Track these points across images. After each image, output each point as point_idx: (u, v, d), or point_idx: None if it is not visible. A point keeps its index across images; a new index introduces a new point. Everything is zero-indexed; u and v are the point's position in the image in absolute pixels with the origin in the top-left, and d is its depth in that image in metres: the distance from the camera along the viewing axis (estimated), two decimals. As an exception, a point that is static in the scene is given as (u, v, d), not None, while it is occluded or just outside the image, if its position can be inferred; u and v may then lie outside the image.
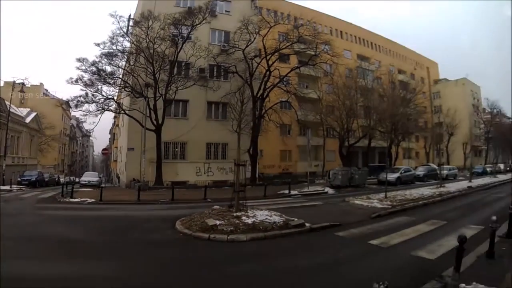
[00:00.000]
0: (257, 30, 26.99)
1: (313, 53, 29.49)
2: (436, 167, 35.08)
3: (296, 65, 31.97)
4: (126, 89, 25.00)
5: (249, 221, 9.18)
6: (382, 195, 17.16)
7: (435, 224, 10.58)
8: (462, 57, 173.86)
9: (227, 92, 24.51)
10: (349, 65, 44.44)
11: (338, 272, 6.11)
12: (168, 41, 24.34)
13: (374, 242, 8.07)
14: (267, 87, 28.29)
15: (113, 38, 24.08)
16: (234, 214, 9.72)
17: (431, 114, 60.47)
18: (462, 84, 69.43)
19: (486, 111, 67.43)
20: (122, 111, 26.30)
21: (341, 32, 50.80)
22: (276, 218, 9.72)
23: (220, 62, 27.41)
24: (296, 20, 31.34)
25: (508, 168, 53.36)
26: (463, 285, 4.58)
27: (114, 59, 24.39)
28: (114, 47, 24.26)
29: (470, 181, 27.54)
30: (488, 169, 46.67)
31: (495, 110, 62.96)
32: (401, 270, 6.30)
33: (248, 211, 10.10)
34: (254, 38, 26.90)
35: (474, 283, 4.64)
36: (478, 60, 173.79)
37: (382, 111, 35.84)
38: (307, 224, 9.58)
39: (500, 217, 6.73)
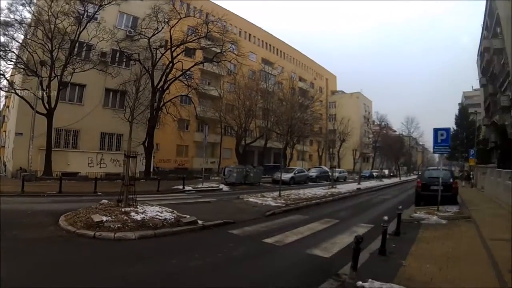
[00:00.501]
0: (166, 20, 26.76)
1: (219, 50, 30.29)
2: (328, 170, 39.15)
3: (201, 60, 32.69)
4: (18, 65, 22.77)
5: (139, 217, 8.79)
6: (276, 193, 18.17)
7: (328, 223, 11.16)
8: (359, 75, 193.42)
9: (125, 80, 23.76)
10: (253, 67, 46.98)
11: (232, 272, 6.03)
12: (72, 18, 22.82)
13: (268, 240, 8.21)
14: (168, 79, 28.29)
15: (12, 6, 21.85)
16: (123, 210, 9.22)
17: (326, 121, 66.09)
18: (356, 97, 78.54)
19: (375, 123, 76.27)
20: (12, 90, 23.71)
21: (249, 34, 53.72)
22: (167, 214, 9.47)
23: (123, 47, 26.48)
24: (207, 16, 31.80)
25: (391, 174, 63.08)
26: (360, 282, 4.93)
27: (9, 29, 21.89)
28: (11, 16, 21.84)
29: (359, 184, 31.18)
30: (374, 174, 54.69)
31: (383, 123, 71.57)
32: (297, 269, 6.40)
33: (138, 206, 9.71)
34: (162, 28, 26.85)
35: (370, 280, 5.00)
36: (373, 78, 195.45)
37: (280, 114, 38.39)
38: (199, 222, 9.46)
39: (388, 216, 7.42)
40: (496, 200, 17.98)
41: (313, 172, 38.51)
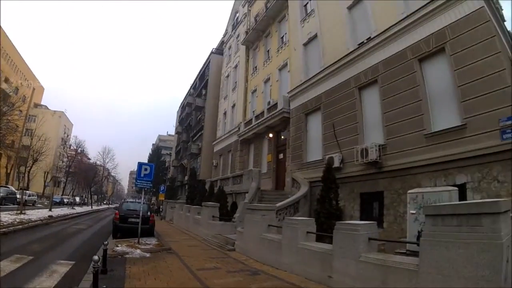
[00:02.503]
0: None
1: None
2: (16, 191, 34.50)
3: None
4: None
5: None
6: None
7: (21, 260, 9.18)
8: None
9: None
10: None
11: None
12: None
13: None
14: None
15: None
16: None
17: (21, 134, 59.74)
18: (59, 116, 76.17)
19: (72, 147, 73.73)
20: None
21: None
22: None
23: None
24: None
25: (83, 202, 62.79)
26: None
27: None
28: None
29: (50, 210, 28.15)
30: (65, 200, 52.77)
31: (80, 149, 70.40)
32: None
33: None
34: None
35: None
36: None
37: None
38: None
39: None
40: (187, 231, 20.71)
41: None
